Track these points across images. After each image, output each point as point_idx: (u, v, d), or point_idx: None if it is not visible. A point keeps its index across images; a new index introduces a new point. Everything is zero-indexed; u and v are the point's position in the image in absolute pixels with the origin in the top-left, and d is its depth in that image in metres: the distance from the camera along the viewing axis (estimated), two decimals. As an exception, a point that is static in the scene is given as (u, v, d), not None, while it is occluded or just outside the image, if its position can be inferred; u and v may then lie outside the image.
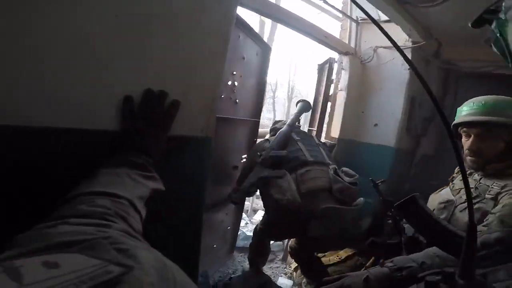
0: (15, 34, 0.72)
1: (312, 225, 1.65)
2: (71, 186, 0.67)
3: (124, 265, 0.35)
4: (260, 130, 3.53)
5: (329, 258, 2.32)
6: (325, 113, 2.98)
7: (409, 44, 2.46)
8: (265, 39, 10.61)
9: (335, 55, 2.93)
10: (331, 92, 2.98)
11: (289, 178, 1.71)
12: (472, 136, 1.23)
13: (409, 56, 2.43)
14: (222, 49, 1.02)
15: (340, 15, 3.11)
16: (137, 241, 0.50)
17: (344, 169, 1.97)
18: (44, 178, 0.79)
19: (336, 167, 1.86)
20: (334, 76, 2.96)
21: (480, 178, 1.25)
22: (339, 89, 2.83)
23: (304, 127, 3.30)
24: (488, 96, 1.24)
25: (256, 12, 2.11)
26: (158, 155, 0.87)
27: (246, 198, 2.55)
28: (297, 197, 1.64)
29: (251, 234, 2.45)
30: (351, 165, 2.10)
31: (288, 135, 1.98)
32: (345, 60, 2.78)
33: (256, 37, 2.18)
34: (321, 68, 3.17)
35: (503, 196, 1.12)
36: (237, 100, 2.03)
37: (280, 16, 2.19)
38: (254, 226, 2.69)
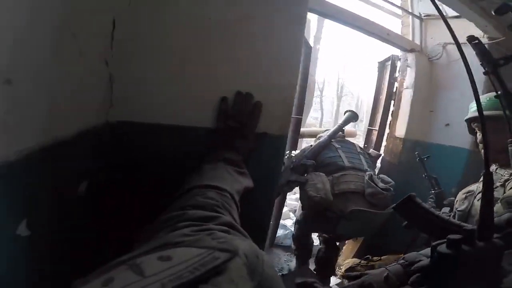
0: (139, 42, 0.84)
1: (342, 225, 1.90)
2: (179, 178, 0.76)
3: (229, 251, 0.37)
4: (306, 129, 3.50)
5: (385, 262, 2.24)
6: (388, 112, 2.90)
7: (485, 40, 2.28)
8: (312, 37, 10.52)
9: (395, 52, 2.84)
10: (394, 90, 2.88)
11: (324, 179, 1.96)
12: None
13: (487, 53, 2.28)
14: (297, 51, 1.05)
15: (399, 11, 2.99)
16: (237, 233, 0.53)
17: (382, 176, 2.15)
18: (161, 170, 0.90)
19: (373, 174, 2.02)
20: (397, 74, 2.86)
21: (496, 169, 1.32)
22: (404, 87, 2.72)
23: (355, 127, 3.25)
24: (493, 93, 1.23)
25: (320, 15, 2.13)
26: (246, 153, 0.93)
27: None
28: (329, 196, 1.87)
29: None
30: (419, 167, 2.03)
31: (324, 145, 2.23)
32: (411, 57, 2.67)
33: None
34: (381, 65, 3.07)
35: (510, 182, 1.19)
36: None
37: (341, 17, 2.22)
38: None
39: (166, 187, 0.72)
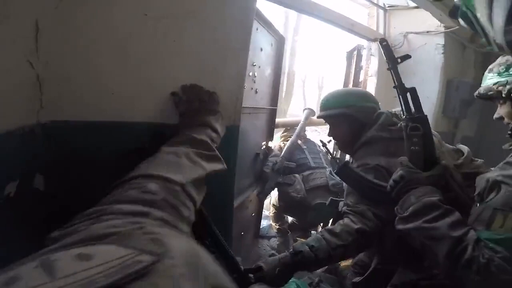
0: (67, 35, 0.82)
1: (310, 215, 2.27)
2: (116, 177, 0.70)
3: (155, 253, 0.33)
4: (281, 120, 3.48)
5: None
6: (354, 100, 2.94)
7: (442, 29, 2.37)
8: (291, 29, 10.54)
9: (362, 42, 2.91)
10: (361, 79, 2.95)
11: (300, 180, 2.32)
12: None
13: (442, 41, 2.39)
14: (245, 41, 1.04)
15: (367, 2, 3.07)
16: (174, 229, 0.50)
17: None
18: (95, 169, 0.88)
19: (331, 170, 2.38)
20: (363, 63, 2.92)
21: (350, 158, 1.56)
22: (369, 76, 2.79)
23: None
24: (331, 92, 1.53)
25: (279, 4, 2.11)
26: (220, 126, 0.92)
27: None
28: (305, 194, 2.25)
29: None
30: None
31: (295, 144, 2.55)
32: (374, 46, 2.76)
33: (271, 28, 2.16)
34: (349, 55, 3.12)
35: None
36: (257, 90, 2.03)
37: (304, 8, 2.23)
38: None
39: (105, 185, 0.71)
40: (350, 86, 3.00)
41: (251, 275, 1.08)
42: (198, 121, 0.88)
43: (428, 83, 2.50)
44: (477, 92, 1.09)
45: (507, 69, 0.97)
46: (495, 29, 0.72)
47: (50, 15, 0.79)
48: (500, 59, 1.02)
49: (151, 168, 0.68)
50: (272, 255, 2.74)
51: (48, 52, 0.80)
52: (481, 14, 0.78)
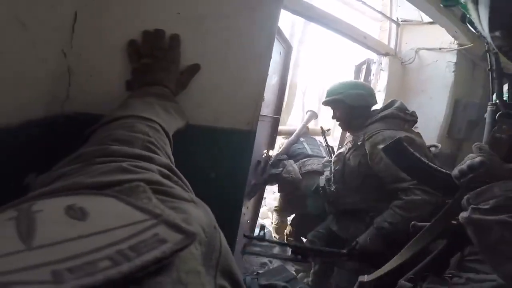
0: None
1: (310, 202, 2.38)
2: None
3: (184, 231, 0.22)
4: (284, 127, 3.50)
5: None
6: (361, 115, 2.94)
7: (455, 46, 2.37)
8: (296, 40, 10.57)
9: (372, 55, 2.90)
10: (368, 93, 2.93)
11: (293, 164, 2.51)
12: None
13: (454, 59, 2.38)
14: (268, 47, 1.03)
15: (379, 16, 3.07)
16: (179, 181, 0.39)
17: None
18: None
19: (329, 159, 2.43)
20: (372, 77, 2.91)
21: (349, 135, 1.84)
22: (377, 90, 2.78)
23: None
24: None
25: (296, 14, 2.16)
26: (174, 86, 0.84)
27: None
28: (298, 176, 2.43)
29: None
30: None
31: (294, 142, 2.83)
32: (385, 61, 2.74)
33: (281, 37, 2.18)
34: (358, 69, 3.12)
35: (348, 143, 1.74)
36: (264, 97, 2.06)
37: (319, 18, 2.26)
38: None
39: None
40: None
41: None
42: (153, 79, 0.79)
43: (436, 101, 2.49)
44: None
45: None
46: (485, 33, 0.78)
47: (88, 7, 0.79)
48: None
49: (129, 111, 0.59)
50: (264, 263, 2.74)
51: (82, 43, 0.80)
52: (473, 16, 0.80)
